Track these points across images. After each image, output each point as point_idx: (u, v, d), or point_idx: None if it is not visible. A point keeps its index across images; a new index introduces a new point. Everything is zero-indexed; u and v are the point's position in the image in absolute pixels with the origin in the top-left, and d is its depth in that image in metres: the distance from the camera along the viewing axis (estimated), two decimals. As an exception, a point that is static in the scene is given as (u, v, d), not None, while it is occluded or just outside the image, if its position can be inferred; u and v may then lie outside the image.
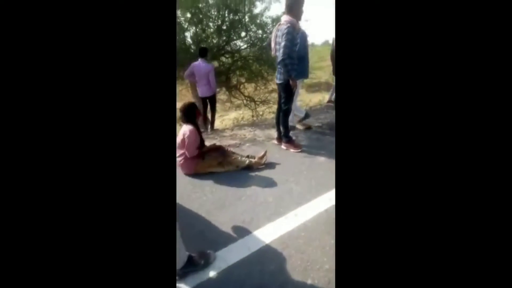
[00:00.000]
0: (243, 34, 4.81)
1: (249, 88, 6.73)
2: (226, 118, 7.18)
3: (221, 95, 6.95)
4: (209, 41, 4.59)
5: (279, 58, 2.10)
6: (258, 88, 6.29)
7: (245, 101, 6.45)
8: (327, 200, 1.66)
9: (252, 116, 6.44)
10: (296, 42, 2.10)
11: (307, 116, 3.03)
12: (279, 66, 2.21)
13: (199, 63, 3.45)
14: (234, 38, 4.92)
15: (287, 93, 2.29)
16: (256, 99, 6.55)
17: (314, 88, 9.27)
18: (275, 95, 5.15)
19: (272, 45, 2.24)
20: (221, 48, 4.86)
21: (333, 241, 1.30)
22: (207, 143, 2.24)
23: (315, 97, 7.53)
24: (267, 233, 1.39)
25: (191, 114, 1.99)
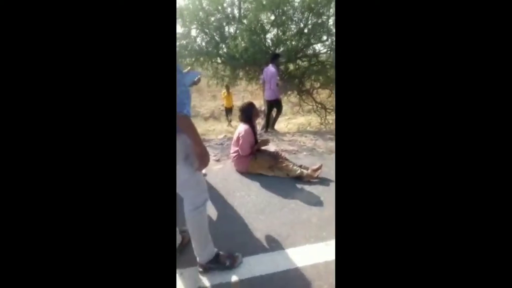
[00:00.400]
0: (324, 37, 4.57)
1: (322, 94, 6.42)
2: (293, 122, 7.09)
3: (292, 98, 6.90)
4: (288, 43, 4.58)
5: None
6: (332, 95, 5.90)
7: (315, 107, 6.18)
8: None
9: (321, 123, 6.11)
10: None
11: None
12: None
13: (269, 67, 3.55)
14: (313, 42, 4.73)
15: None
16: (327, 107, 6.18)
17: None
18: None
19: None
20: (299, 51, 4.78)
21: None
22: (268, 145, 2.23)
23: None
24: (301, 256, 1.25)
25: (247, 114, 2.02)
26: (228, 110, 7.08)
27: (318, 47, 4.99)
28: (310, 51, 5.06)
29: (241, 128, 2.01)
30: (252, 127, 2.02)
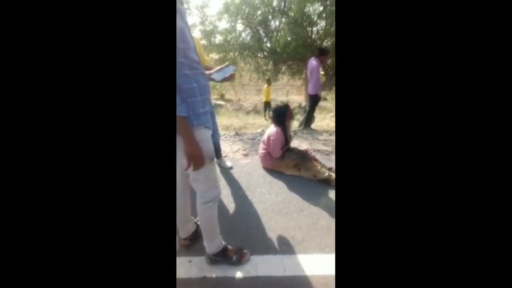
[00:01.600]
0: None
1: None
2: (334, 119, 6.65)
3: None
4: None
5: None
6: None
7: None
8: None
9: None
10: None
11: None
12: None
13: (311, 60, 3.34)
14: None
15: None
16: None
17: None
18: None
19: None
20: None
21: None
22: (299, 142, 2.16)
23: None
24: (312, 264, 1.18)
25: (279, 117, 1.97)
26: (267, 104, 7.07)
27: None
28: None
29: (273, 130, 1.97)
30: (284, 129, 1.97)
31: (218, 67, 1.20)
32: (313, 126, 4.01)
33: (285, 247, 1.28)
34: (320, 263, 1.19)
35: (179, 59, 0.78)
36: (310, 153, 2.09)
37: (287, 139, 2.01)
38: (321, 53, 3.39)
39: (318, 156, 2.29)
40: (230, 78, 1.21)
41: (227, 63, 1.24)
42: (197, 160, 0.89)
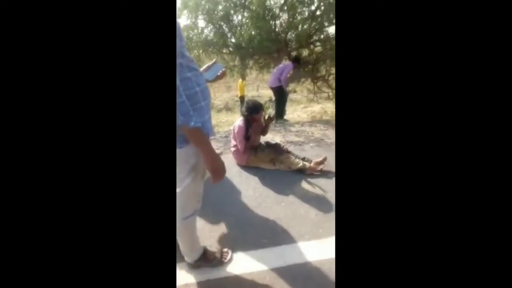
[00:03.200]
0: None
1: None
2: (308, 110, 6.85)
3: (308, 85, 6.64)
4: (299, 28, 4.34)
5: None
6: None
7: (330, 94, 5.90)
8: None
9: (337, 111, 5.82)
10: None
11: None
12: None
13: (288, 63, 3.72)
14: (326, 25, 4.42)
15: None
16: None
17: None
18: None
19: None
20: (311, 35, 4.51)
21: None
22: (272, 135, 2.16)
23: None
24: (293, 254, 1.21)
25: (247, 109, 1.94)
26: (242, 99, 7.04)
27: (332, 30, 4.68)
28: (323, 35, 4.77)
29: (236, 123, 1.96)
30: (247, 123, 1.94)
31: (205, 66, 1.13)
32: (285, 118, 4.09)
33: (266, 241, 1.29)
34: (301, 252, 1.22)
35: (178, 59, 0.66)
36: (283, 145, 2.12)
37: (247, 134, 1.93)
38: (296, 60, 3.72)
39: (291, 147, 2.34)
40: (222, 76, 1.15)
41: (214, 61, 1.17)
42: (220, 172, 0.81)
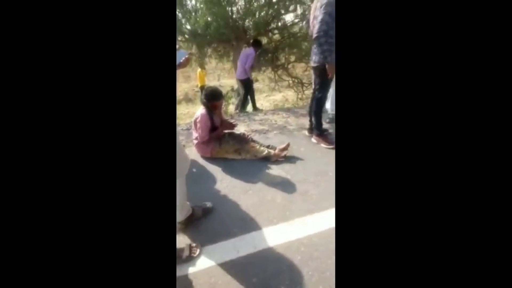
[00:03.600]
0: (291, 7, 4.29)
1: (298, 69, 6.26)
2: (270, 99, 6.95)
3: (269, 74, 6.68)
4: (256, 15, 4.28)
5: (314, 35, 1.75)
6: (308, 69, 5.76)
7: (291, 82, 6.05)
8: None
9: (300, 99, 5.99)
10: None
11: (333, 120, 2.59)
12: (314, 46, 1.87)
13: (248, 49, 3.58)
14: (283, 12, 4.45)
15: (322, 79, 1.95)
16: (304, 81, 6.07)
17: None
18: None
19: (311, 19, 1.88)
20: (269, 23, 4.50)
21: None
22: (237, 126, 2.11)
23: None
24: (262, 238, 1.24)
25: (207, 97, 1.87)
26: (203, 89, 6.79)
27: (290, 17, 4.73)
28: (280, 23, 4.79)
29: (198, 112, 1.88)
30: (210, 111, 1.88)
31: None
32: (248, 107, 4.08)
33: (236, 230, 1.29)
34: (270, 236, 1.26)
35: None
36: (247, 135, 2.12)
37: (213, 123, 1.91)
38: (256, 44, 3.56)
39: (256, 136, 2.35)
40: (186, 63, 1.07)
41: (177, 47, 1.07)
42: None
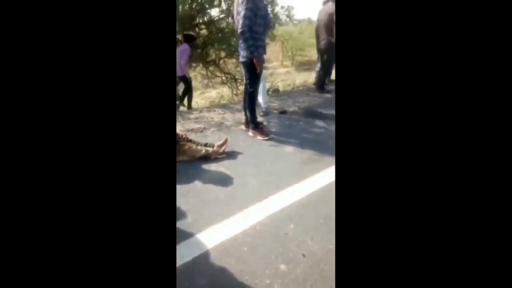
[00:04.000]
0: (216, 2, 4.26)
1: (229, 64, 6.27)
2: (205, 96, 6.77)
3: (200, 70, 6.47)
4: (180, 8, 4.05)
5: (238, 31, 1.79)
6: (239, 64, 5.86)
7: (224, 79, 6.03)
8: (285, 197, 1.50)
9: (236, 94, 6.04)
10: (260, 12, 1.78)
11: (267, 113, 2.79)
12: (240, 41, 1.91)
13: (183, 45, 3.51)
14: (207, 7, 4.36)
15: (251, 74, 2.02)
16: (237, 77, 6.14)
17: (305, 66, 8.87)
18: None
19: (235, 15, 1.91)
20: (194, 17, 4.33)
21: (280, 249, 1.15)
22: None
23: (301, 77, 7.18)
24: (208, 239, 1.22)
25: None
26: None
27: (216, 12, 4.66)
28: (206, 18, 4.68)
29: None
30: None
31: None
32: (182, 106, 3.88)
33: (179, 236, 1.23)
34: (215, 234, 1.25)
35: None
36: (182, 135, 2.02)
37: None
38: (188, 39, 3.53)
39: (193, 135, 2.26)
40: None
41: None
42: None
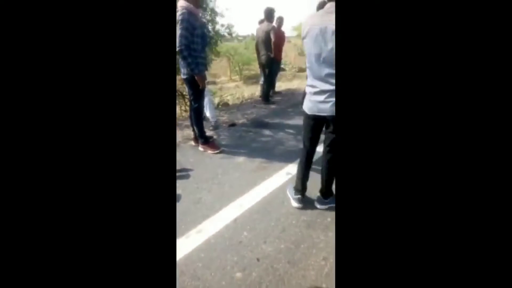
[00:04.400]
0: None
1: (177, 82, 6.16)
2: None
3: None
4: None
5: (177, 49, 1.82)
6: (183, 82, 5.78)
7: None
8: (237, 206, 1.54)
9: (185, 111, 5.90)
10: (195, 31, 1.85)
11: (216, 127, 2.88)
12: (179, 59, 1.94)
13: None
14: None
15: (194, 90, 2.05)
16: (184, 93, 6.04)
17: (253, 80, 9.24)
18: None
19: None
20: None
21: (236, 258, 1.18)
22: None
23: (250, 90, 7.48)
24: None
25: None
26: None
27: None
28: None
29: None
30: None
31: None
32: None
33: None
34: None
35: None
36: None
37: None
38: None
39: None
40: None
41: None
42: None
